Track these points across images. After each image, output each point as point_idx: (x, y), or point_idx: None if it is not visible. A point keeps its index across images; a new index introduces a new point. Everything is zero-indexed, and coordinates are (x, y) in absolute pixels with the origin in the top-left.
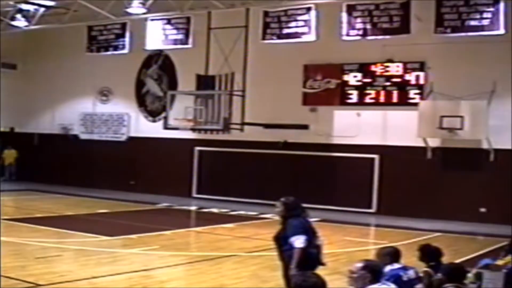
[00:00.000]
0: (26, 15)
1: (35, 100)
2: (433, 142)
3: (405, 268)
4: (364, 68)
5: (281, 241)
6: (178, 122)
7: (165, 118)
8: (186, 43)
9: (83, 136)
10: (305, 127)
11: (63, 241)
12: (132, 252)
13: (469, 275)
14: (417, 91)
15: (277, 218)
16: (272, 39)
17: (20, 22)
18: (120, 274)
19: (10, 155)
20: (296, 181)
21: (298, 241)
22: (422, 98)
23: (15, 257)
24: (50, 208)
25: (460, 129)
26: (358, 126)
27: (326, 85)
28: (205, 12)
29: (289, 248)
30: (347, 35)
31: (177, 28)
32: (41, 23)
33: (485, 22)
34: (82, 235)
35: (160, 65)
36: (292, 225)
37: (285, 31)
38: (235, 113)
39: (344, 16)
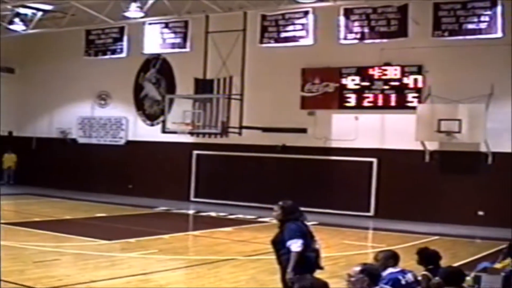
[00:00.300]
0: (24, 19)
1: (33, 104)
2: (431, 146)
3: (403, 272)
4: (362, 72)
5: (279, 245)
6: (176, 126)
7: (163, 122)
8: (184, 47)
9: (81, 140)
10: (303, 130)
11: (61, 245)
12: (131, 256)
13: (468, 278)
14: (415, 95)
15: (275, 221)
16: (270, 42)
17: (18, 26)
18: (118, 278)
19: (9, 159)
20: (294, 185)
21: (295, 245)
22: (420, 102)
23: (13, 261)
24: (48, 212)
25: (458, 132)
26: (356, 130)
27: (324, 89)
28: (203, 16)
29: (287, 252)
30: (345, 38)
31: (174, 32)
32: (39, 27)
33: (483, 26)
34: (80, 239)
35: (158, 69)
36: (290, 229)
37: (283, 34)
38: (233, 117)
39: (342, 19)
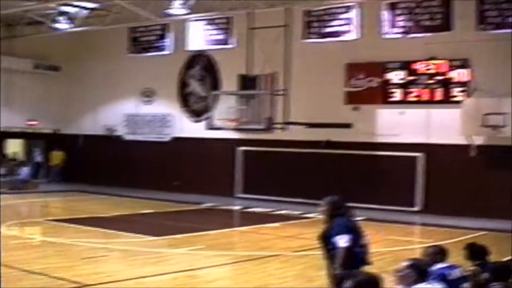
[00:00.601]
0: (69, 17)
1: (79, 101)
2: (477, 140)
3: (451, 267)
4: (406, 66)
5: (326, 241)
6: (222, 122)
7: (209, 118)
8: (228, 43)
9: (127, 137)
10: (348, 126)
11: (109, 241)
12: (178, 252)
13: None
14: (461, 89)
15: (321, 217)
16: (313, 38)
17: (63, 24)
18: (166, 274)
19: (56, 156)
20: (340, 180)
21: (342, 240)
22: (465, 96)
23: (62, 258)
24: (95, 209)
25: (504, 126)
26: (401, 125)
27: (369, 84)
28: (246, 12)
29: (334, 247)
30: (389, 33)
31: (218, 29)
32: (83, 25)
33: None
34: (128, 235)
35: (203, 65)
36: (336, 224)
37: (327, 30)
38: (277, 113)
39: (386, 14)
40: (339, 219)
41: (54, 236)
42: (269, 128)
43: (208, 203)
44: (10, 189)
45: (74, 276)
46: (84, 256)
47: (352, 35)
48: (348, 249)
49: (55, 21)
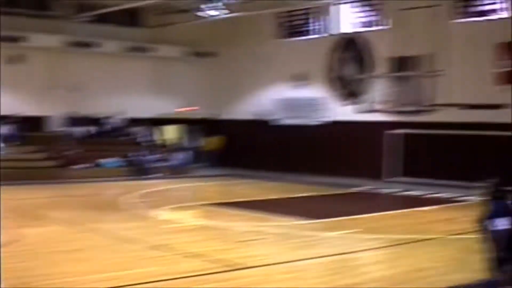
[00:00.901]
0: (225, 4)
1: (231, 87)
2: None
3: None
4: None
5: (484, 224)
6: (376, 105)
7: (363, 101)
8: (380, 25)
9: (281, 121)
10: (499, 107)
11: (262, 224)
12: (331, 236)
13: None
14: None
15: (479, 200)
16: (464, 17)
17: (214, 11)
18: (319, 258)
19: (213, 141)
20: (496, 163)
21: (501, 223)
22: None
23: (217, 241)
24: (249, 193)
25: None
26: None
27: None
28: None
29: (492, 230)
30: None
31: (370, 10)
32: (235, 11)
33: None
34: (281, 219)
35: (355, 48)
36: (495, 207)
37: (478, 8)
38: (432, 94)
39: None
40: (498, 202)
41: (209, 220)
42: (423, 110)
43: (363, 186)
44: (169, 174)
45: (228, 259)
46: (238, 239)
47: (502, 14)
48: (508, 232)
49: (206, 9)
